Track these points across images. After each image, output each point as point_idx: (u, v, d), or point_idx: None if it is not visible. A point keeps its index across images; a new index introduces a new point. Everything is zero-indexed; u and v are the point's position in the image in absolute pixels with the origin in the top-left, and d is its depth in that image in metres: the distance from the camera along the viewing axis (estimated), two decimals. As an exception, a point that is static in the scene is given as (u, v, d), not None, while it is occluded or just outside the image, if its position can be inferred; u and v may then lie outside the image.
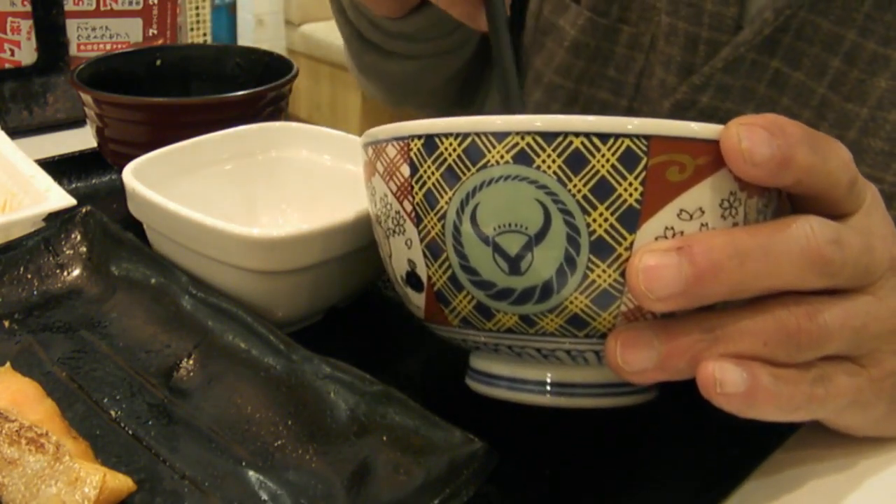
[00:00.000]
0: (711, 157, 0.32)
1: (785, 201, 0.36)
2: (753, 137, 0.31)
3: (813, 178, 0.33)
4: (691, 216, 0.32)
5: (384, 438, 0.35)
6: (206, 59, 0.70)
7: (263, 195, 0.54)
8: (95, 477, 0.32)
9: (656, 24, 0.57)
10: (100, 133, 0.61)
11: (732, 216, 0.33)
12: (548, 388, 0.36)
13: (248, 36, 3.01)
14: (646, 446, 0.40)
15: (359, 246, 0.43)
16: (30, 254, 0.46)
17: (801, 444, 0.39)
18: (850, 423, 0.38)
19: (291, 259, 0.42)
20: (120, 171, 0.47)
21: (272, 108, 0.61)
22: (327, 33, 2.85)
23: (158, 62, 0.69)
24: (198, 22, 2.72)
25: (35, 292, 0.45)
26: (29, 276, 0.46)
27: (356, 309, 0.48)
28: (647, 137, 0.31)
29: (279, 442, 0.36)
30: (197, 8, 2.53)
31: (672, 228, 0.32)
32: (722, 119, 0.56)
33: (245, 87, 0.59)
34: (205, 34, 2.82)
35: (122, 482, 0.34)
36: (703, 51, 0.54)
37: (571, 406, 0.36)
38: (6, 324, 0.43)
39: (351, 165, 0.52)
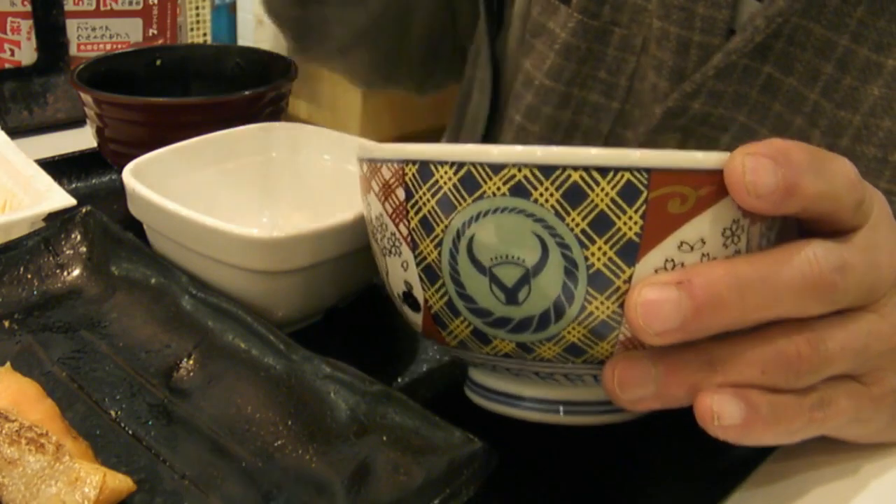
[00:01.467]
0: (714, 186, 0.31)
1: (791, 218, 0.35)
2: (758, 169, 0.31)
3: (819, 204, 0.32)
4: (692, 247, 0.32)
5: (384, 438, 0.35)
6: (206, 59, 0.70)
7: (264, 195, 0.54)
8: (95, 477, 0.32)
9: (647, 26, 0.57)
10: (100, 133, 0.61)
11: (735, 243, 0.32)
12: (546, 405, 0.37)
13: (248, 36, 3.01)
14: (645, 448, 0.40)
15: (359, 246, 0.43)
16: (30, 254, 0.46)
17: (801, 446, 0.39)
18: (849, 436, 0.38)
19: (291, 259, 0.42)
20: (120, 171, 0.47)
21: (272, 108, 0.61)
22: (327, 33, 2.84)
23: (158, 62, 0.69)
24: (198, 22, 2.72)
25: (35, 292, 0.45)
26: (29, 276, 0.46)
27: (356, 309, 0.48)
28: (648, 170, 0.30)
29: (279, 442, 0.36)
30: (197, 8, 2.53)
31: (672, 260, 0.31)
32: (714, 124, 0.56)
33: (245, 87, 0.59)
34: (205, 34, 2.81)
35: (122, 482, 0.34)
36: (695, 55, 0.54)
37: (569, 423, 0.37)
38: (6, 324, 0.43)
39: (351, 166, 0.52)
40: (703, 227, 0.31)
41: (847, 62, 0.50)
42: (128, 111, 0.58)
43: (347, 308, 0.47)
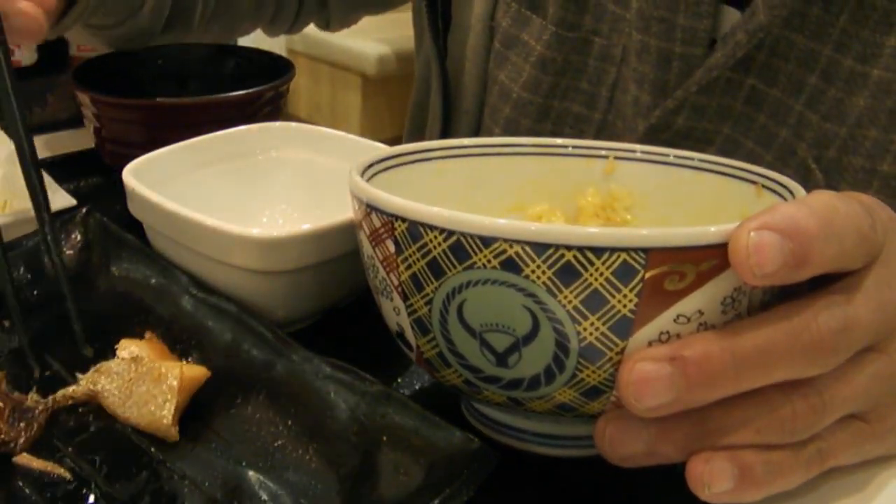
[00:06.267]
0: (717, 260, 0.30)
1: None
2: (763, 247, 0.29)
3: (829, 266, 0.31)
4: (689, 319, 0.31)
5: (384, 438, 0.35)
6: (206, 59, 0.70)
7: (263, 195, 0.54)
8: (175, 369, 0.37)
9: (626, 35, 0.56)
10: (97, 133, 0.61)
11: (735, 309, 0.31)
12: (537, 438, 0.37)
13: (248, 36, 3.01)
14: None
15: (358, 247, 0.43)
16: (30, 254, 0.46)
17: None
18: (850, 463, 0.37)
19: (291, 259, 0.42)
20: (120, 171, 0.47)
21: (270, 107, 0.61)
22: (327, 33, 2.85)
23: (159, 62, 0.69)
24: (198, 22, 2.71)
25: (35, 292, 0.45)
26: (29, 276, 0.46)
27: (356, 309, 0.48)
28: (645, 250, 0.29)
29: (279, 442, 0.36)
30: (197, 8, 2.52)
31: (668, 332, 0.31)
32: (699, 138, 0.55)
33: (245, 87, 0.59)
34: (205, 34, 2.80)
35: (198, 371, 0.38)
36: (677, 67, 0.53)
37: (561, 455, 0.37)
38: (6, 323, 0.43)
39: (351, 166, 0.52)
40: (703, 299, 0.31)
41: (831, 73, 0.49)
42: (124, 111, 0.58)
43: (347, 308, 0.47)
